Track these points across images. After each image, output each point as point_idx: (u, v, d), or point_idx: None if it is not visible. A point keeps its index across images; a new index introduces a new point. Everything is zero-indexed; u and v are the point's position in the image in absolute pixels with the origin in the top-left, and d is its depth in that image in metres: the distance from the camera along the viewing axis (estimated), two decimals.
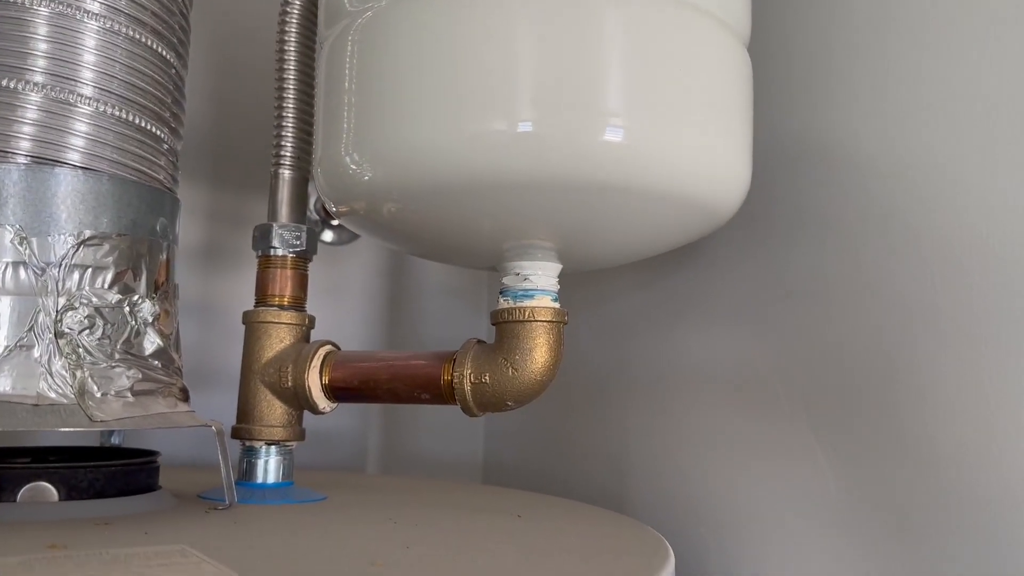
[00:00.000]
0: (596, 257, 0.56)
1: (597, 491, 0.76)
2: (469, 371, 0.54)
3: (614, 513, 0.60)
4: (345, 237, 0.97)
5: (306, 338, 0.61)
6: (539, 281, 0.54)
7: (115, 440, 0.62)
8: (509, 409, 0.55)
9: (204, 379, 0.75)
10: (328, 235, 0.96)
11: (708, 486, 0.63)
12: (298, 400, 0.58)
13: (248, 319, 0.60)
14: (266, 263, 0.61)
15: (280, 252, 0.61)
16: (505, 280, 0.55)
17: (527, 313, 0.53)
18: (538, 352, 0.53)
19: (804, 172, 0.58)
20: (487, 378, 0.54)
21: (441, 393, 0.55)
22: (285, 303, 0.61)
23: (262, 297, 0.61)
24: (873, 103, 0.54)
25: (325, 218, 0.93)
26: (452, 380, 0.55)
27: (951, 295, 0.49)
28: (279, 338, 0.60)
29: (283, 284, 0.61)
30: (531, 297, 0.54)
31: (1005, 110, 0.47)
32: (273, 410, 0.59)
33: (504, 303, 0.55)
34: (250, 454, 0.59)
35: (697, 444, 0.64)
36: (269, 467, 0.59)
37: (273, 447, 0.59)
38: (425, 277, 1.01)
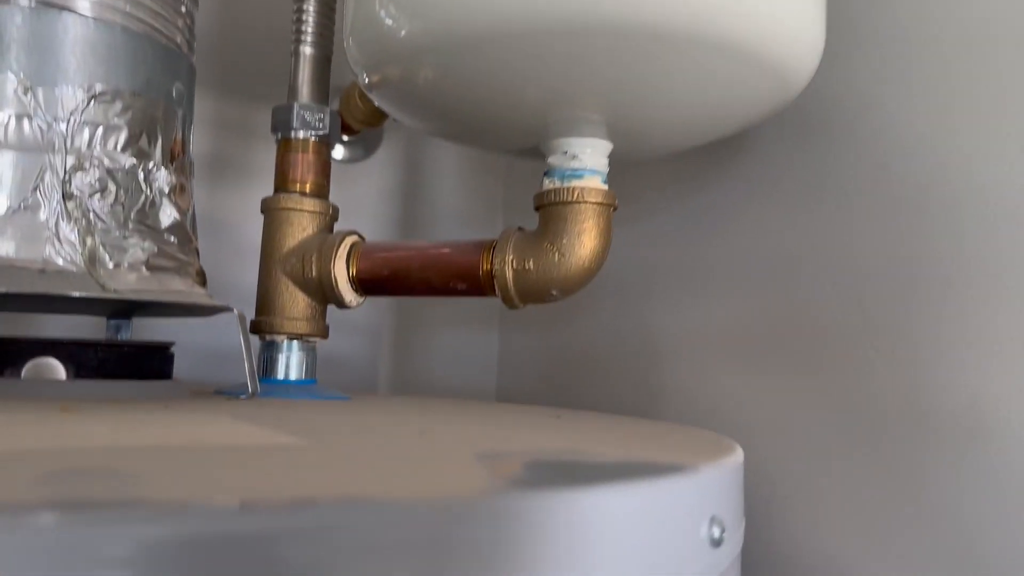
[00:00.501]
0: (650, 135, 0.52)
1: (626, 415, 0.73)
2: (512, 257, 0.50)
3: (660, 421, 0.56)
4: (358, 154, 0.93)
5: (329, 228, 0.57)
6: (588, 160, 0.50)
7: (124, 335, 0.58)
8: (553, 300, 0.51)
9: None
10: (340, 151, 0.91)
11: (737, 414, 0.59)
12: (323, 292, 0.54)
13: (268, 206, 0.56)
14: (286, 147, 0.56)
15: (302, 135, 0.56)
16: (551, 159, 0.51)
17: (576, 194, 0.49)
18: (587, 236, 0.49)
19: (813, 135, 0.55)
20: (531, 264, 0.50)
21: (480, 283, 0.51)
22: (307, 190, 0.56)
23: (282, 183, 0.56)
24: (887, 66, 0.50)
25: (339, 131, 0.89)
26: (492, 268, 0.50)
27: (932, 258, 0.47)
28: (301, 227, 0.55)
29: (305, 170, 0.56)
30: (580, 177, 0.50)
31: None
32: (296, 302, 0.55)
33: (550, 184, 0.50)
34: (271, 349, 0.55)
35: (722, 373, 0.61)
36: (291, 362, 0.55)
37: (296, 342, 0.55)
38: (438, 201, 0.97)
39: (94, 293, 0.42)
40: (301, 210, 0.55)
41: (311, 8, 0.57)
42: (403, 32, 0.45)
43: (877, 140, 0.51)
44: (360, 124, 0.85)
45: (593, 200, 0.49)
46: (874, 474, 0.51)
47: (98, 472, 0.22)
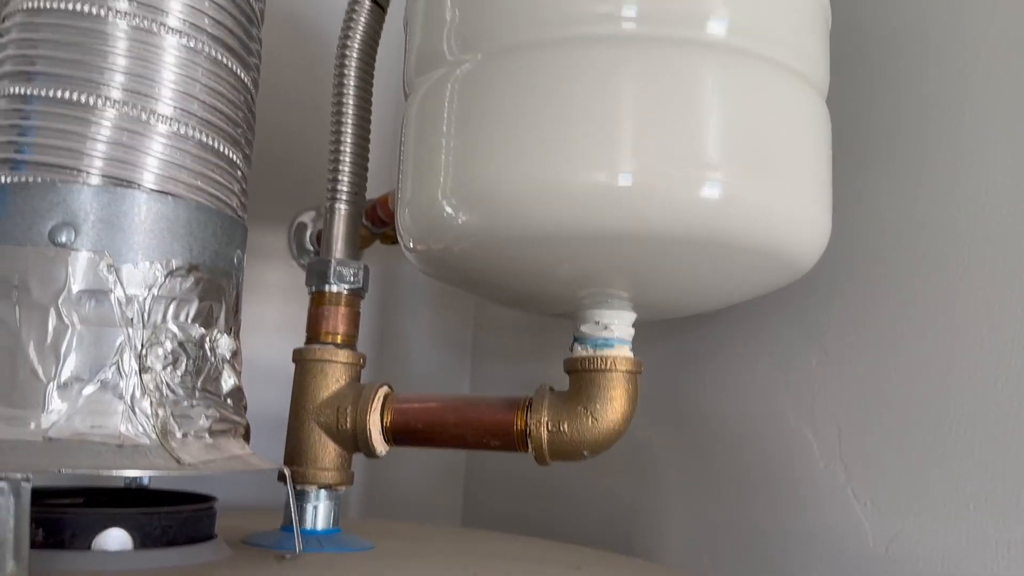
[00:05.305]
0: (672, 308, 0.57)
1: (597, 537, 0.76)
2: (546, 419, 0.53)
3: (672, 570, 0.60)
4: None
5: (358, 378, 0.59)
6: (618, 331, 0.54)
7: (144, 480, 0.58)
8: (582, 459, 0.54)
9: None
10: None
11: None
12: (356, 442, 0.56)
13: (302, 357, 0.58)
14: (320, 299, 0.59)
15: (335, 288, 0.59)
16: (583, 327, 0.55)
17: (608, 363, 0.53)
18: (618, 402, 0.53)
19: None
20: (565, 426, 0.53)
21: (513, 440, 0.54)
22: (339, 341, 0.58)
23: (315, 335, 0.58)
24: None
25: (318, 250, 0.91)
26: (527, 428, 0.54)
27: None
28: (335, 378, 0.57)
29: (337, 321, 0.58)
30: (611, 347, 0.54)
31: None
32: (327, 452, 0.56)
33: (582, 351, 0.54)
34: (300, 498, 0.56)
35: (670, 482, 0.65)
36: (319, 512, 0.56)
37: (324, 491, 0.56)
38: (412, 320, 1.00)
39: (169, 470, 0.43)
40: (335, 361, 0.57)
41: (346, 169, 0.60)
42: (460, 221, 0.49)
43: None
44: None
45: (623, 368, 0.53)
46: None
47: None
